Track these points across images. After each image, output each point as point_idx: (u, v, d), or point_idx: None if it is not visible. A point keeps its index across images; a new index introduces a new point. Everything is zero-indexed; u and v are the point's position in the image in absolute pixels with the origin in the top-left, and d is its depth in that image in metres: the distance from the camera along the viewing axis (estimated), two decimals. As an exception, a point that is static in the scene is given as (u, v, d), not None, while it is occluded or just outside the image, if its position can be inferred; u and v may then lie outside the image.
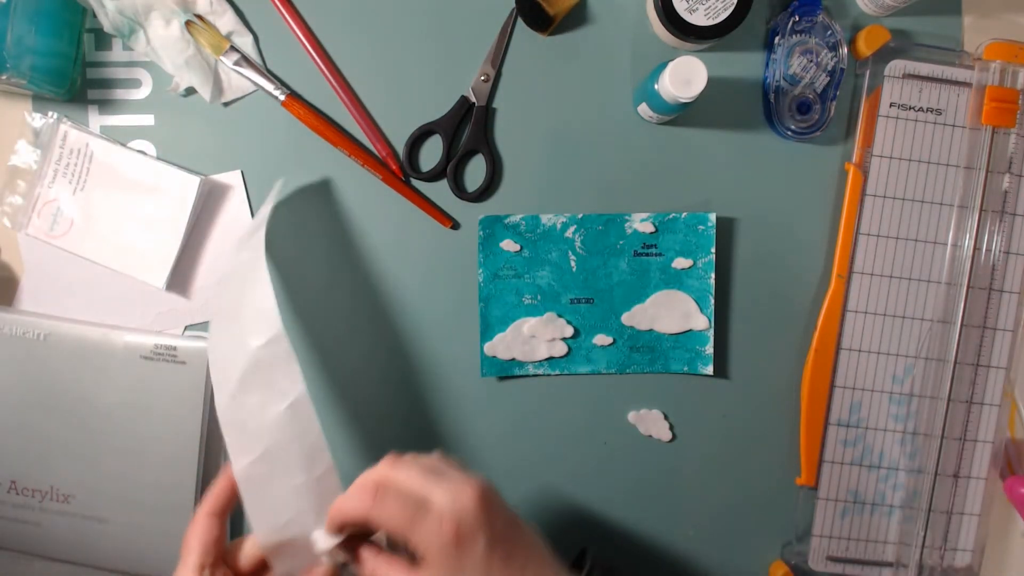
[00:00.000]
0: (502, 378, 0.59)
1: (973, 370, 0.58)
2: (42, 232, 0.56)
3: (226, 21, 0.56)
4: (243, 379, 0.46)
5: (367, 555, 0.44)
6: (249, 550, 0.46)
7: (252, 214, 0.58)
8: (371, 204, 0.58)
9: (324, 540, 0.44)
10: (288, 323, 0.58)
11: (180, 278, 0.57)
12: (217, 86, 0.57)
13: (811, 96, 0.57)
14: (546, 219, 0.58)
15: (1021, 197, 0.57)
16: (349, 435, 0.59)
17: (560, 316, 0.58)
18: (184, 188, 0.56)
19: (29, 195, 0.56)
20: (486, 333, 0.58)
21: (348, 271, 0.58)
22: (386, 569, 0.43)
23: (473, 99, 0.57)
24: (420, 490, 0.42)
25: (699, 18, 0.53)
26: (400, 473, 0.43)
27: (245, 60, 0.56)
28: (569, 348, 0.58)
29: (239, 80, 0.57)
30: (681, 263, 0.58)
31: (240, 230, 0.57)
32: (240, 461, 0.45)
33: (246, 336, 0.47)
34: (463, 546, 0.40)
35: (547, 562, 0.44)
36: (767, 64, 0.57)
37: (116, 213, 0.56)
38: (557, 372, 0.59)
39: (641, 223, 0.58)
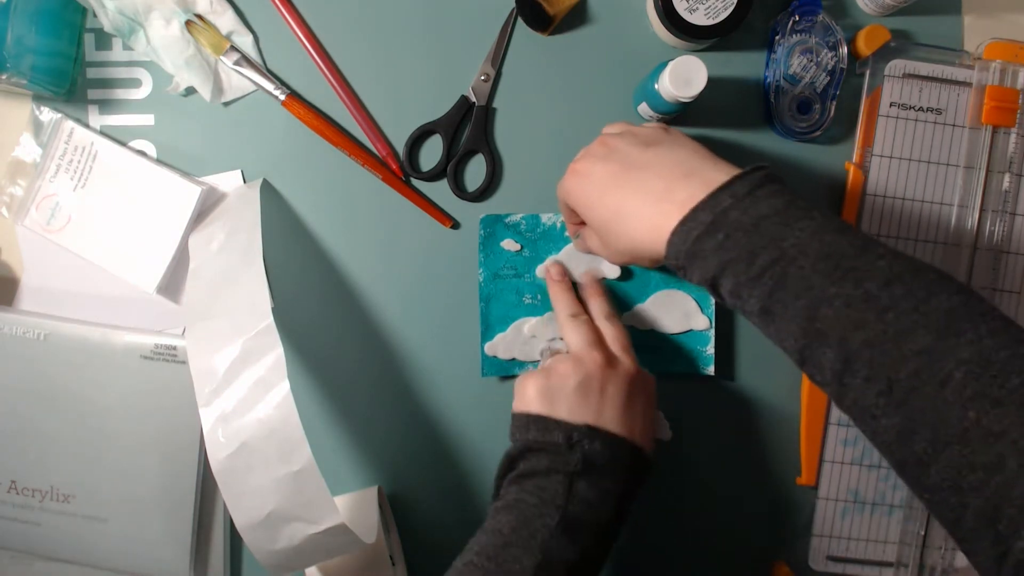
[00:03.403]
0: (503, 378, 0.59)
1: (973, 370, 0.58)
2: (39, 225, 0.56)
3: (226, 21, 0.56)
4: (228, 372, 0.46)
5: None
6: None
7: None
8: (371, 204, 0.58)
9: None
10: (287, 323, 0.58)
11: (174, 282, 0.57)
12: (217, 86, 0.57)
13: (811, 96, 0.57)
14: (546, 218, 0.58)
15: (1021, 197, 0.57)
16: (348, 434, 0.59)
17: (560, 316, 0.58)
18: (185, 197, 0.56)
19: (29, 188, 0.56)
20: (486, 333, 0.58)
21: (348, 271, 0.58)
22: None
23: (473, 99, 0.57)
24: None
25: (699, 18, 0.53)
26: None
27: (245, 60, 0.56)
28: (569, 348, 0.58)
29: (239, 80, 0.57)
30: (681, 263, 0.58)
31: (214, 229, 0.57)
32: (219, 453, 0.45)
33: (235, 329, 0.47)
34: (607, 155, 0.48)
35: (701, 155, 0.46)
36: (767, 64, 0.57)
37: (114, 214, 0.56)
38: (557, 372, 0.59)
39: (641, 223, 0.58)
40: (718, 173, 0.43)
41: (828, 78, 0.56)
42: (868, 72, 0.57)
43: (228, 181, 0.58)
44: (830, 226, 0.39)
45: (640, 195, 0.44)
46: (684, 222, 0.42)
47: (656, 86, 0.52)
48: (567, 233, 0.57)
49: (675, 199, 0.43)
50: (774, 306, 0.39)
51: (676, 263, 0.43)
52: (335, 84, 0.57)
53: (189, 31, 0.56)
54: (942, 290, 0.36)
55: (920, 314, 0.35)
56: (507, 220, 0.57)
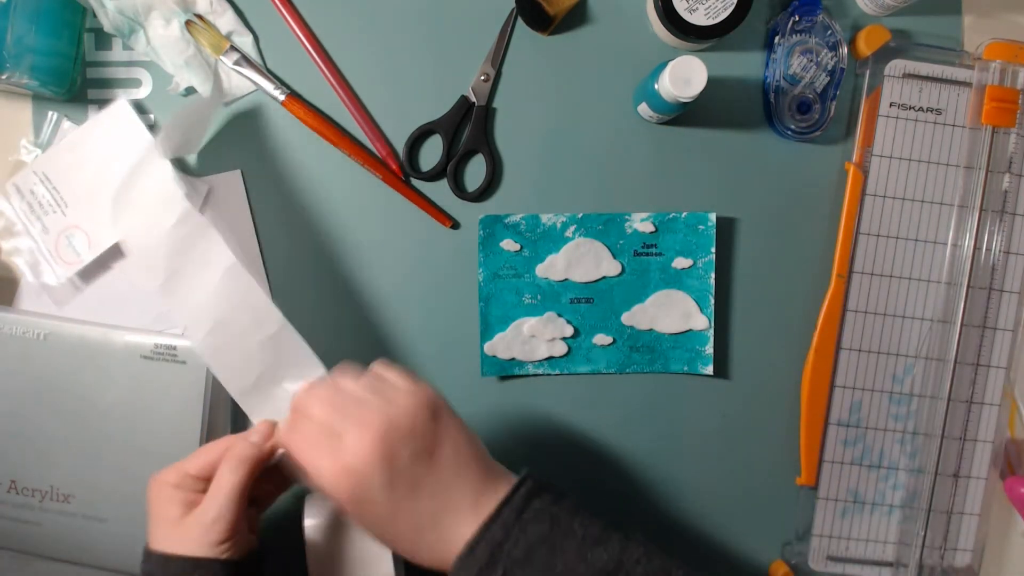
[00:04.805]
0: (502, 378, 0.59)
1: (973, 370, 0.58)
2: (42, 232, 0.56)
3: (226, 21, 0.56)
4: (168, 260, 0.49)
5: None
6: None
7: (252, 214, 0.58)
8: (371, 204, 0.58)
9: None
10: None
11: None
12: (217, 86, 0.57)
13: (811, 96, 0.57)
14: (546, 219, 0.58)
15: (1021, 197, 0.57)
16: (349, 435, 0.59)
17: (560, 316, 0.58)
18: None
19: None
20: (486, 333, 0.58)
21: (347, 271, 0.58)
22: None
23: (473, 99, 0.57)
24: (333, 426, 0.42)
25: (699, 18, 0.53)
26: (315, 405, 0.43)
27: (245, 60, 0.56)
28: (569, 348, 0.58)
29: (239, 80, 0.57)
30: (681, 263, 0.58)
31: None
32: (196, 336, 0.49)
33: (158, 220, 0.49)
34: (359, 501, 0.41)
35: (466, 479, 0.43)
36: (767, 64, 0.57)
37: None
38: (557, 372, 0.59)
39: (641, 223, 0.58)
40: (485, 485, 0.43)
41: (828, 78, 0.56)
42: (868, 72, 0.57)
43: (228, 181, 0.58)
44: (590, 539, 0.42)
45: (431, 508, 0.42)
46: (464, 557, 0.41)
47: (656, 86, 0.52)
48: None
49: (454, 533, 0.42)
50: None
51: None
52: (335, 84, 0.57)
53: (189, 31, 0.56)
54: None
55: None
56: (507, 220, 0.58)
